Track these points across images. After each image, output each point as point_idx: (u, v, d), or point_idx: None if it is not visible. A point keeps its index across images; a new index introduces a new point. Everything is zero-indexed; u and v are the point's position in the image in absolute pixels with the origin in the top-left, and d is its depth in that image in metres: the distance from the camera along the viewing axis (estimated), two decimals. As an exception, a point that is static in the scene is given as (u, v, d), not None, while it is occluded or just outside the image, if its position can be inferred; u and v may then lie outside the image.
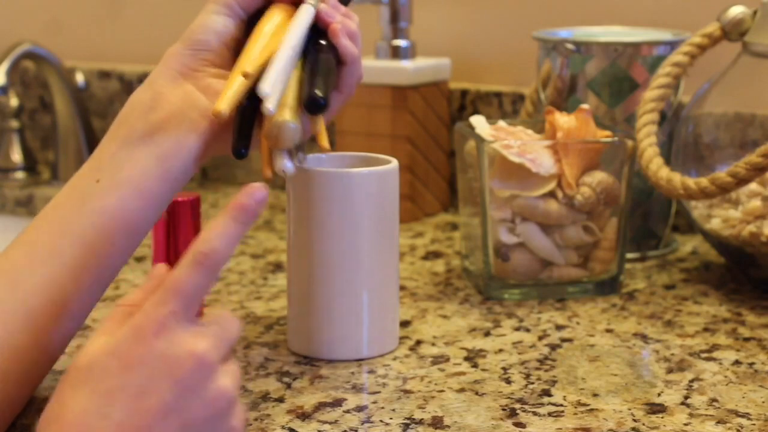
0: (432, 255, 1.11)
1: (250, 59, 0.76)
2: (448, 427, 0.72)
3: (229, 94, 0.75)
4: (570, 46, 1.08)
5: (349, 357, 0.83)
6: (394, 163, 0.84)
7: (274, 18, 0.79)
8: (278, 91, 0.74)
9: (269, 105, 0.73)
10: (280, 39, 0.77)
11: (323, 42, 0.78)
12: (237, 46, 0.79)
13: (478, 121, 1.00)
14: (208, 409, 0.59)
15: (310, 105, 0.74)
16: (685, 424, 0.72)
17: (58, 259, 0.73)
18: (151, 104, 0.77)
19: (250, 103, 0.76)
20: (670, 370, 0.81)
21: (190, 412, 0.58)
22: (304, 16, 0.78)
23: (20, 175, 1.46)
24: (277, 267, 1.06)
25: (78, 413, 0.58)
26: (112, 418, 0.57)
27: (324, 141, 0.79)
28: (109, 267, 0.75)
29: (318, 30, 0.79)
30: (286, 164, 0.76)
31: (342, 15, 0.80)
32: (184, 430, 0.58)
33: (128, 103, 0.78)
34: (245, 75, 0.75)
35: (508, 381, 0.80)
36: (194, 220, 0.90)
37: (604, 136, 0.97)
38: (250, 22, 0.80)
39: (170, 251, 0.91)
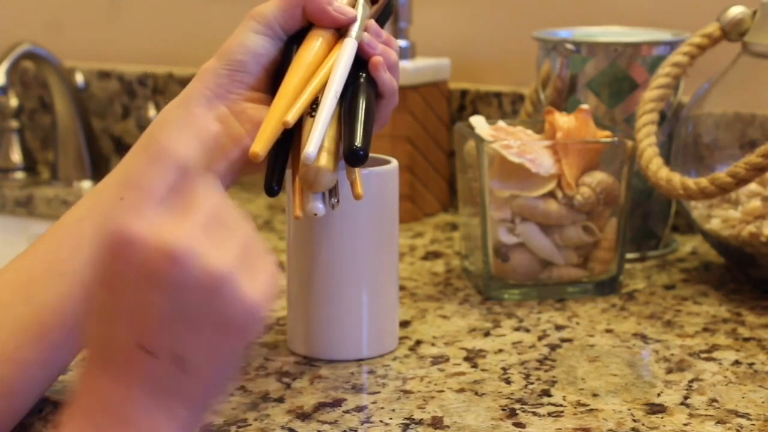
0: (432, 255, 1.11)
1: (288, 94, 0.75)
2: (448, 427, 0.72)
3: (266, 136, 0.73)
4: (570, 46, 1.08)
5: (349, 357, 0.83)
6: (394, 163, 0.84)
7: (314, 45, 0.77)
8: (320, 140, 0.72)
9: (309, 153, 0.71)
10: (319, 70, 0.76)
11: (363, 74, 0.77)
12: (275, 68, 0.78)
13: (477, 121, 1.00)
14: (208, 303, 0.55)
15: (351, 159, 0.72)
16: (685, 425, 0.72)
17: (75, 276, 0.72)
18: (184, 126, 0.75)
19: (285, 139, 0.75)
20: (669, 371, 0.81)
21: (191, 313, 0.55)
22: (348, 53, 0.76)
23: (20, 175, 1.46)
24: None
25: (92, 335, 0.56)
26: (118, 338, 0.55)
27: (358, 189, 0.76)
28: None
29: (358, 59, 0.77)
30: (317, 206, 0.74)
31: (383, 43, 0.79)
32: (190, 333, 0.55)
33: (161, 118, 0.76)
34: (285, 125, 0.73)
35: (508, 381, 0.80)
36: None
37: (603, 136, 0.97)
38: (288, 43, 0.78)
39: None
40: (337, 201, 0.76)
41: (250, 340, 0.57)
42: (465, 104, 1.28)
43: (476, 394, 0.77)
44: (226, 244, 0.56)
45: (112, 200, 0.74)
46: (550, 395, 0.77)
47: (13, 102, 1.46)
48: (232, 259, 0.56)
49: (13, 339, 0.70)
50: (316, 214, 0.74)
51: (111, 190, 0.74)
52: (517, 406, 0.75)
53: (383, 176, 0.83)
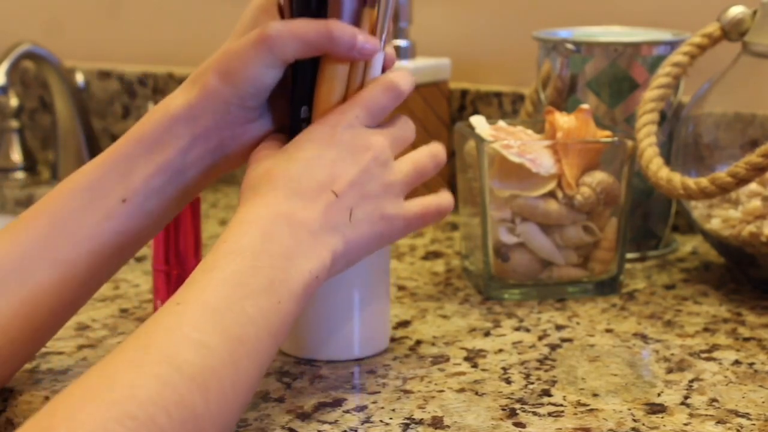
0: (432, 255, 1.11)
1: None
2: (448, 427, 0.72)
3: None
4: (570, 46, 1.08)
5: (340, 357, 0.83)
6: (394, 163, 0.84)
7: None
8: None
9: None
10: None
11: None
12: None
13: (478, 121, 1.00)
14: (380, 189, 0.74)
15: None
16: (685, 424, 0.72)
17: (70, 267, 0.74)
18: (192, 143, 0.76)
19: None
20: (670, 370, 0.81)
21: (368, 188, 0.73)
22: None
23: (20, 175, 1.46)
24: (277, 267, 1.06)
25: (283, 170, 0.72)
26: (315, 177, 0.72)
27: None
28: (115, 271, 0.78)
29: None
30: None
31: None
32: (362, 199, 0.73)
33: (167, 130, 0.76)
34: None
35: (508, 381, 0.80)
36: (194, 220, 0.91)
37: (604, 136, 0.97)
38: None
39: (170, 251, 0.91)
40: None
41: (395, 239, 0.77)
42: (465, 104, 1.28)
43: (476, 394, 0.77)
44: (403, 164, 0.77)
45: (115, 201, 0.75)
46: (550, 395, 0.77)
47: (13, 102, 1.46)
48: (407, 179, 0.77)
49: (5, 314, 0.72)
50: None
51: (110, 186, 0.75)
52: (518, 406, 0.75)
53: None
